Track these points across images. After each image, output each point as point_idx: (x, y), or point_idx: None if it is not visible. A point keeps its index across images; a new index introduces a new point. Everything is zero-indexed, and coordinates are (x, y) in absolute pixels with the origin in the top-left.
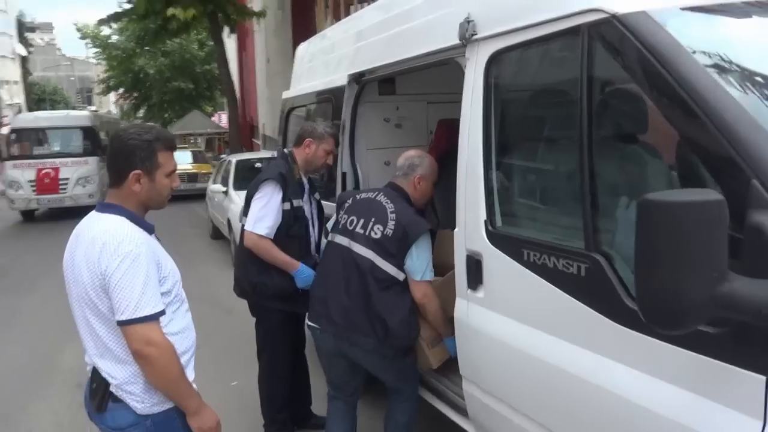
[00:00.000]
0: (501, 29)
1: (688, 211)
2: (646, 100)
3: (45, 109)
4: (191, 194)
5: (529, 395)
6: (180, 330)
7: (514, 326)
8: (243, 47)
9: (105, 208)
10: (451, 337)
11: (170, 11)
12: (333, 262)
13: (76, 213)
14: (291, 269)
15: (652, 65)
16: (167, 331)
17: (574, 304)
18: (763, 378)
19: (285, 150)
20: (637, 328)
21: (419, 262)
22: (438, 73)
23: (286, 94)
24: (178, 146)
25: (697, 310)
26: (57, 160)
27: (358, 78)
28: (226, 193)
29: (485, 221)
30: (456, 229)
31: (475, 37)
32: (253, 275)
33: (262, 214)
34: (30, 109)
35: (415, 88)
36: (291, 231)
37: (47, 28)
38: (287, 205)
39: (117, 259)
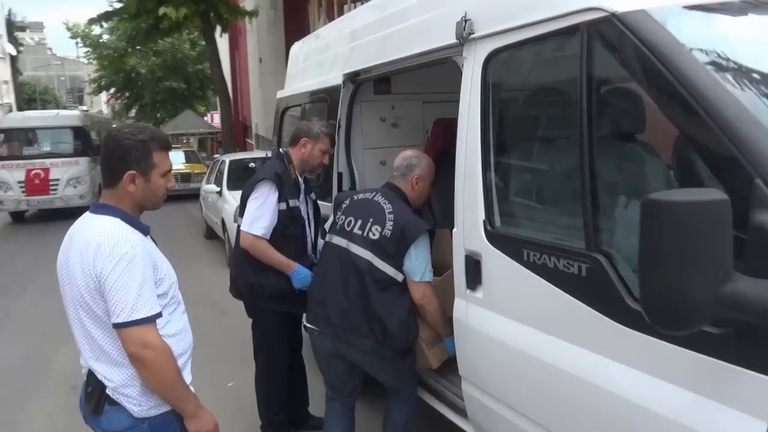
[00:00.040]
0: (499, 28)
1: (692, 210)
2: (647, 98)
3: (36, 109)
4: (184, 194)
5: (529, 396)
6: (177, 332)
7: (514, 326)
8: (235, 47)
9: (99, 209)
10: (450, 337)
11: (162, 10)
12: (331, 264)
13: (68, 214)
14: (287, 270)
15: (652, 64)
16: (164, 333)
17: (574, 304)
18: None
19: (280, 150)
20: (638, 328)
21: (418, 262)
22: (433, 72)
23: (280, 94)
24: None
25: (701, 311)
26: (47, 161)
27: (353, 77)
28: (219, 193)
29: (484, 221)
30: (454, 229)
31: (472, 36)
32: (250, 276)
33: (258, 214)
34: (20, 109)
35: (410, 88)
36: (287, 231)
37: (37, 27)
38: (283, 206)
39: (112, 261)
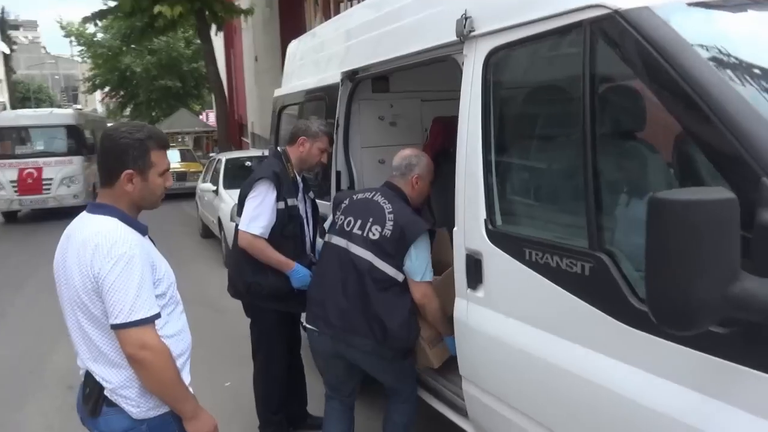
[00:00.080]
0: (499, 26)
1: (699, 210)
2: (651, 96)
3: (30, 107)
4: (180, 193)
5: (531, 395)
6: (175, 333)
7: (516, 326)
8: (230, 45)
9: (96, 208)
10: (451, 335)
11: (157, 8)
12: (330, 264)
13: (61, 214)
14: (286, 269)
15: (655, 61)
16: (162, 334)
17: (577, 304)
18: None
19: (278, 148)
20: (642, 328)
21: (418, 262)
22: (431, 70)
23: (277, 92)
24: None
25: (708, 311)
26: (40, 160)
27: (351, 75)
28: (216, 191)
29: (485, 220)
30: (455, 228)
31: (473, 33)
32: (248, 275)
33: (257, 213)
34: (14, 108)
35: (409, 86)
36: (285, 230)
37: (31, 25)
38: (281, 205)
39: (110, 262)
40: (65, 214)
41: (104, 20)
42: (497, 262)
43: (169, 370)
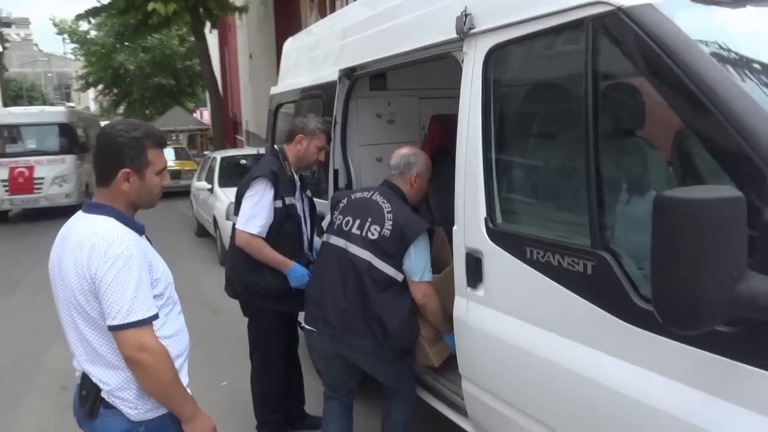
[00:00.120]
0: (500, 23)
1: (706, 208)
2: (654, 94)
3: (22, 105)
4: (175, 191)
5: (532, 394)
6: (173, 333)
7: (516, 325)
8: (225, 43)
9: (92, 208)
10: (450, 333)
11: (151, 6)
12: (328, 264)
13: (54, 214)
14: (284, 268)
15: (659, 58)
16: (160, 334)
17: (579, 302)
18: None
19: (275, 146)
20: (645, 326)
21: (418, 262)
22: (429, 68)
23: (274, 90)
24: None
25: (715, 310)
26: (31, 159)
27: (349, 73)
28: (211, 190)
29: (485, 218)
30: (455, 227)
31: (473, 30)
32: (245, 275)
33: (254, 212)
34: (6, 106)
35: (406, 84)
36: (283, 229)
37: (23, 23)
38: (279, 203)
39: (107, 262)
40: (57, 213)
41: (98, 17)
42: (498, 260)
43: (167, 371)
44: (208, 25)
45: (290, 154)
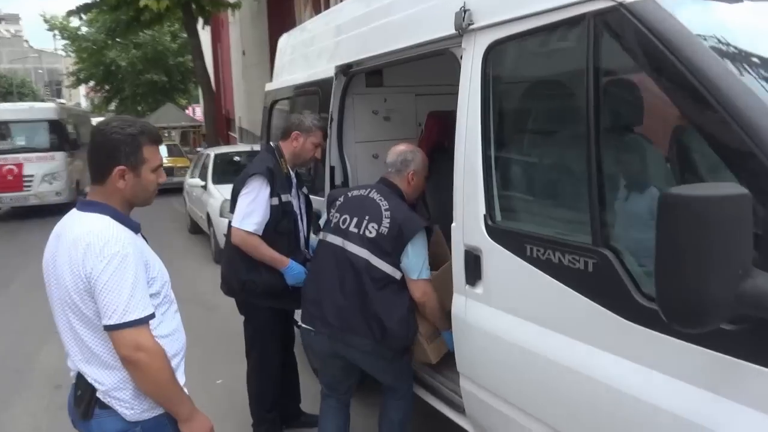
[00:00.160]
0: (499, 19)
1: (711, 205)
2: (656, 90)
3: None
4: (168, 188)
5: (531, 392)
6: (170, 332)
7: (515, 322)
8: (218, 39)
9: (87, 206)
10: (449, 330)
11: (143, 2)
12: (326, 262)
13: (44, 212)
14: (280, 266)
15: (661, 54)
16: (157, 334)
17: (579, 300)
18: None
19: (271, 143)
20: (647, 324)
21: (416, 260)
22: (426, 64)
23: (269, 87)
24: None
25: (720, 309)
26: (20, 156)
27: (345, 69)
28: (204, 187)
29: (485, 216)
30: (453, 224)
31: (471, 26)
32: (242, 273)
33: (250, 209)
34: None
35: (403, 80)
36: (279, 227)
37: (13, 19)
38: (275, 200)
39: (103, 261)
40: (48, 212)
41: (89, 13)
42: (497, 258)
43: (164, 371)
44: (200, 21)
45: (286, 151)
